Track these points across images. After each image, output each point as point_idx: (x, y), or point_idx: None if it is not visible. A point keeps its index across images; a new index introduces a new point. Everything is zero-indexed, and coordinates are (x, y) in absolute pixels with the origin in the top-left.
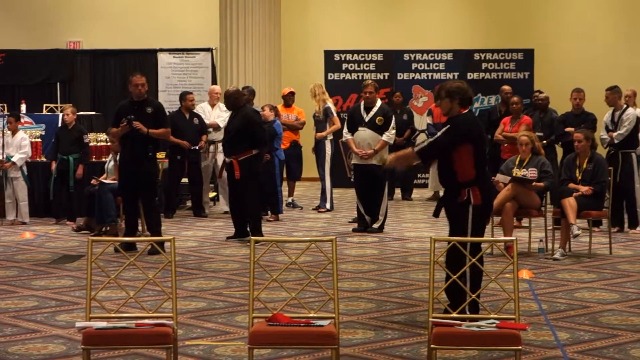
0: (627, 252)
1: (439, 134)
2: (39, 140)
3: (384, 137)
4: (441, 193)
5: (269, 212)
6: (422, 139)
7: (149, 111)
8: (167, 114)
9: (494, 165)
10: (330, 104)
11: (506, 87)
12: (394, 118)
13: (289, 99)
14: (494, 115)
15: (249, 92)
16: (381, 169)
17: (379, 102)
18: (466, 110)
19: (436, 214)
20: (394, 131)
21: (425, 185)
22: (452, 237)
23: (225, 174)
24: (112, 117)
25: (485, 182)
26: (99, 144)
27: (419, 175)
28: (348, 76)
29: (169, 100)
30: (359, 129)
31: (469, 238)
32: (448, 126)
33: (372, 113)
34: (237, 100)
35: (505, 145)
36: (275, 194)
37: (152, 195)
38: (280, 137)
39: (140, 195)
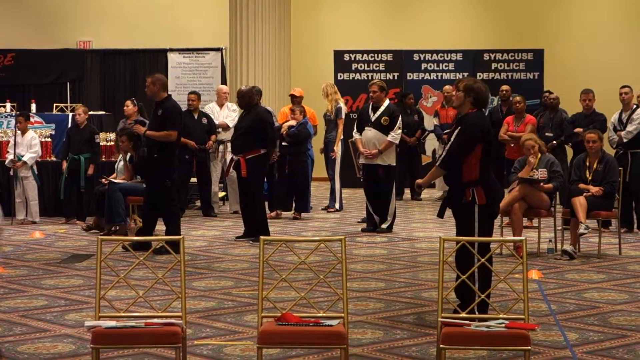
0: (636, 252)
1: (452, 138)
2: (49, 139)
3: (389, 138)
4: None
5: (294, 210)
6: (431, 138)
7: (159, 113)
8: None
9: (498, 164)
10: (342, 104)
11: (505, 87)
12: (400, 118)
13: (298, 100)
14: (495, 116)
15: (255, 92)
16: (420, 189)
17: (386, 102)
18: (475, 110)
19: (440, 215)
20: (399, 131)
21: (433, 185)
22: (461, 237)
23: (234, 172)
24: None
25: (489, 181)
26: (108, 144)
27: None
28: (358, 76)
29: (178, 100)
30: (366, 128)
31: (477, 238)
32: (459, 128)
33: (378, 113)
34: (250, 99)
35: (512, 145)
36: (307, 193)
37: (161, 198)
38: (312, 137)
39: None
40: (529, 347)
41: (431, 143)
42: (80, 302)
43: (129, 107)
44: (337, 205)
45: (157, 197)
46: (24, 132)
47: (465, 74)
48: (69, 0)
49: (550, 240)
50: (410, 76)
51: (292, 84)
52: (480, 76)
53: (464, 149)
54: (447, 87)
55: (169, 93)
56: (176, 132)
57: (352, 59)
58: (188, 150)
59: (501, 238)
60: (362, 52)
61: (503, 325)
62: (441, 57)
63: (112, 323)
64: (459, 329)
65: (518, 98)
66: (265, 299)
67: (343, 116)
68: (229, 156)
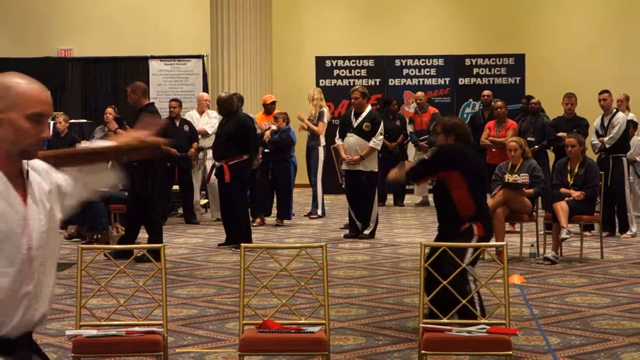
0: (618, 256)
1: (425, 156)
2: None
3: (371, 144)
4: (430, 199)
5: (276, 217)
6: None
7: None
8: None
9: None
10: (325, 109)
11: (487, 92)
12: (382, 124)
13: (270, 108)
14: (477, 121)
15: (237, 99)
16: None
17: (368, 108)
18: (457, 142)
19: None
20: (381, 137)
21: (413, 191)
22: (441, 243)
23: (215, 179)
24: None
25: (487, 215)
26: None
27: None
28: (339, 82)
29: (159, 107)
30: (347, 134)
31: (455, 243)
32: (436, 149)
33: (360, 119)
34: (230, 106)
35: (493, 150)
36: (289, 199)
37: (143, 206)
38: (294, 144)
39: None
40: (511, 352)
41: (413, 148)
42: (61, 310)
43: (112, 114)
44: (319, 212)
45: (138, 205)
46: None
47: (447, 80)
48: (49, 9)
49: (532, 245)
50: (392, 82)
51: (273, 90)
52: (461, 81)
53: (429, 170)
54: (420, 94)
55: (152, 101)
56: None
57: (334, 65)
58: (170, 157)
59: (482, 243)
60: (344, 58)
61: (484, 330)
62: (423, 62)
63: (93, 332)
64: (441, 335)
65: (499, 103)
66: (247, 306)
67: (325, 120)
68: (208, 163)
